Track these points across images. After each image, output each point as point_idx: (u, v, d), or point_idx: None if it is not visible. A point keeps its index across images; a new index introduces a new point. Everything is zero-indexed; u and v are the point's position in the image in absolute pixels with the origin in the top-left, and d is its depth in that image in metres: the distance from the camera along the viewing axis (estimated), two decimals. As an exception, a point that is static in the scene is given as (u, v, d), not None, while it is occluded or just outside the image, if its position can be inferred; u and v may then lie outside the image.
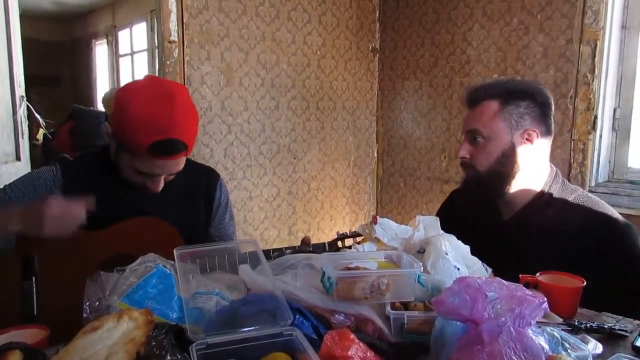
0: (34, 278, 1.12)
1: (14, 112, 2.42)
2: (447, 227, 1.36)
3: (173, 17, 2.34)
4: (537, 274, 1.05)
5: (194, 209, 1.45)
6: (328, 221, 3.21)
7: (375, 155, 3.37)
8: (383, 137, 3.33)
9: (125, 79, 6.57)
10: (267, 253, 1.25)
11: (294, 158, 2.96)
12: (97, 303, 0.76)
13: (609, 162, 2.43)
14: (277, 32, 2.75)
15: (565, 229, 1.31)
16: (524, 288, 0.76)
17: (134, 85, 1.30)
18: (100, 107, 5.26)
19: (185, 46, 2.41)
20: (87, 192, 1.29)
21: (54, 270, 1.16)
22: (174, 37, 2.36)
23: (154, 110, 1.19)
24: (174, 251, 0.91)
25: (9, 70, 2.37)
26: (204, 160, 2.59)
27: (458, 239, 1.26)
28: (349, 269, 0.93)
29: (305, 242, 1.33)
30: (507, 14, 2.57)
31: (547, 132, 1.34)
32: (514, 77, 2.54)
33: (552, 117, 1.35)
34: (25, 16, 2.44)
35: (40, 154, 4.40)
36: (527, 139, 1.31)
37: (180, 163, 1.28)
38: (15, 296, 1.13)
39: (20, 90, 2.48)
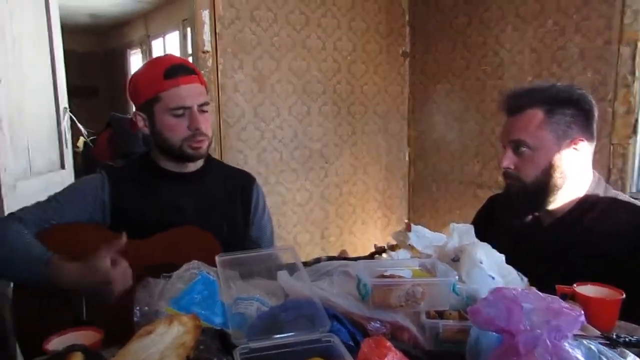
0: None
1: (59, 123, 2.53)
2: (483, 234, 1.35)
3: (206, 28, 2.41)
4: (574, 285, 1.03)
5: (232, 211, 1.49)
6: (360, 225, 3.22)
7: (407, 159, 3.36)
8: (415, 141, 3.32)
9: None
10: (304, 263, 1.28)
11: (326, 163, 2.99)
12: (147, 308, 0.80)
13: (651, 165, 2.36)
14: (307, 39, 2.79)
15: (606, 234, 1.28)
16: (561, 300, 0.76)
17: None
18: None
19: (218, 56, 2.48)
20: (133, 197, 1.36)
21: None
22: (208, 47, 2.42)
23: (155, 58, 1.44)
24: (216, 257, 0.94)
25: (53, 84, 2.48)
26: (238, 166, 2.62)
27: (494, 245, 1.26)
28: (385, 276, 0.94)
29: (342, 254, 1.34)
30: (541, 15, 2.53)
31: (591, 138, 1.32)
32: (552, 81, 2.50)
33: (596, 123, 1.33)
34: (63, 29, 2.55)
35: (80, 161, 4.58)
36: (574, 148, 1.29)
37: (201, 91, 1.35)
38: (65, 300, 1.19)
39: (64, 101, 2.59)
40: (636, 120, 2.26)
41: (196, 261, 0.91)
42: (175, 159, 1.38)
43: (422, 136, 3.28)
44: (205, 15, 2.38)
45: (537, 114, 1.29)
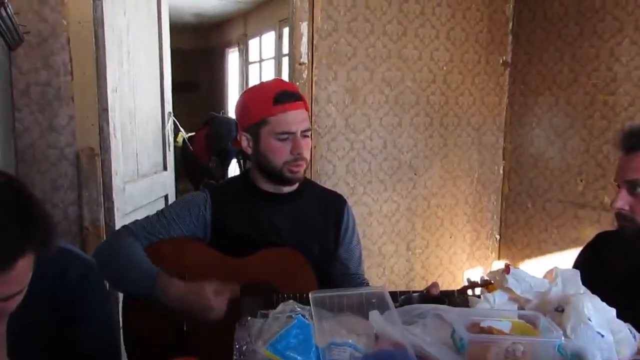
0: None
1: (163, 127, 2.70)
2: (589, 274, 1.26)
3: (304, 39, 2.45)
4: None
5: (324, 232, 1.52)
6: (447, 238, 3.13)
7: (501, 172, 3.21)
8: (511, 155, 3.16)
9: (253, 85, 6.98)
10: (393, 296, 1.26)
11: (415, 174, 2.94)
12: (245, 347, 0.83)
13: None
14: (403, 49, 2.74)
15: None
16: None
17: None
18: (232, 113, 5.66)
19: (314, 67, 2.51)
20: (232, 215, 1.43)
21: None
22: (304, 59, 2.47)
23: (265, 82, 1.51)
24: (310, 295, 0.96)
25: (160, 90, 2.65)
26: (327, 175, 2.67)
27: (601, 287, 1.17)
28: (482, 328, 0.91)
29: (433, 287, 1.31)
30: (666, 26, 2.29)
31: None
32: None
33: None
34: (170, 28, 2.72)
35: (179, 155, 4.88)
36: None
37: (305, 117, 1.41)
38: (169, 314, 1.27)
39: (169, 106, 2.77)
40: None
41: (292, 301, 0.94)
42: (274, 181, 1.43)
43: (518, 150, 3.11)
44: (304, 27, 2.42)
45: None
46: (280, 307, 0.90)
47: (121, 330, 1.34)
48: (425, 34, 2.78)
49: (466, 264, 3.20)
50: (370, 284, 1.61)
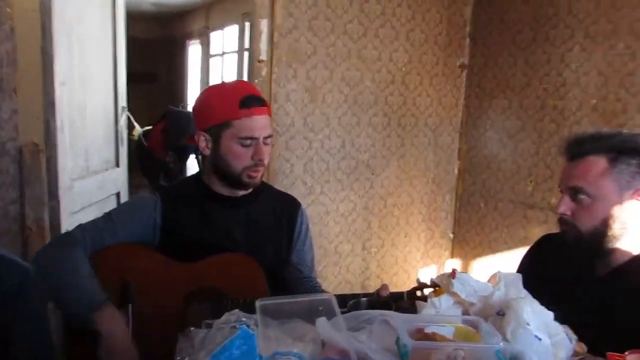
0: (130, 305, 1.22)
1: (116, 122, 2.62)
2: (532, 275, 1.31)
3: (264, 37, 2.42)
4: (627, 353, 0.98)
5: (278, 236, 1.51)
6: (403, 237, 3.18)
7: (456, 173, 3.28)
8: (465, 156, 3.23)
9: (214, 78, 6.88)
10: (343, 299, 1.27)
11: (372, 174, 2.96)
12: (187, 358, 0.82)
13: None
14: (363, 49, 2.75)
15: None
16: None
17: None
18: (190, 107, 5.55)
19: (273, 65, 2.49)
20: (184, 218, 1.39)
21: (146, 297, 1.25)
22: (264, 56, 2.44)
23: (230, 84, 1.46)
24: (256, 303, 0.95)
25: (113, 83, 2.57)
26: (284, 174, 2.66)
27: (543, 289, 1.22)
28: (425, 334, 0.92)
29: (383, 289, 1.33)
30: (613, 36, 2.39)
31: None
32: (618, 107, 2.37)
33: None
34: (127, 16, 2.63)
35: (134, 150, 4.74)
36: (637, 199, 1.23)
37: (269, 123, 1.39)
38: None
39: (122, 100, 2.69)
40: None
41: (237, 310, 0.92)
42: (230, 184, 1.41)
43: (472, 151, 3.19)
44: (264, 24, 2.39)
45: (599, 162, 1.23)
46: (224, 317, 0.89)
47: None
48: (385, 35, 2.80)
49: (420, 263, 3.26)
50: (323, 287, 1.61)
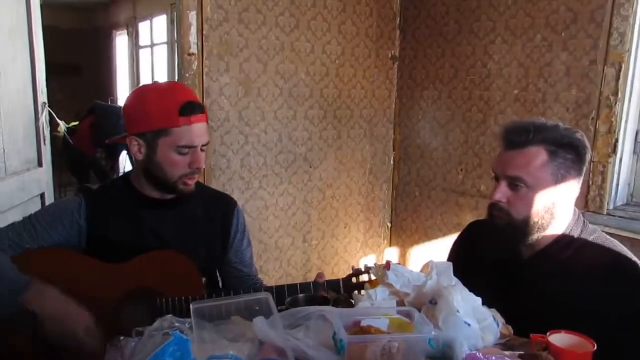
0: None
1: (36, 119, 2.46)
2: (462, 262, 1.37)
3: (193, 29, 2.35)
4: (548, 334, 1.05)
5: (211, 236, 1.48)
6: (342, 228, 3.23)
7: (392, 163, 3.36)
8: (400, 145, 3.32)
9: (144, 71, 6.62)
10: (281, 290, 1.28)
11: (310, 167, 2.97)
12: (116, 370, 0.79)
13: (629, 185, 2.40)
14: (296, 41, 2.74)
15: (582, 271, 1.31)
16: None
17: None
18: (120, 102, 5.30)
19: (204, 58, 2.43)
20: (111, 221, 1.34)
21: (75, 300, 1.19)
22: (194, 49, 2.37)
23: (168, 88, 1.38)
24: (190, 306, 0.93)
25: (31, 78, 2.40)
26: (221, 170, 2.61)
27: (472, 275, 1.27)
28: (361, 328, 0.94)
29: (319, 277, 1.35)
30: (531, 29, 2.52)
31: (581, 178, 1.32)
32: (538, 96, 2.51)
33: (586, 166, 1.33)
34: (47, 5, 2.45)
35: (60, 146, 4.49)
36: (567, 190, 1.30)
37: (207, 130, 1.36)
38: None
39: (42, 96, 2.52)
40: (616, 140, 2.28)
41: (170, 316, 0.90)
42: (162, 190, 1.36)
43: (406, 141, 3.28)
44: (192, 16, 2.32)
45: (540, 153, 1.27)
46: (157, 324, 0.86)
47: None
48: (317, 27, 2.81)
49: (360, 253, 3.32)
50: (264, 283, 1.60)
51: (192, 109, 1.30)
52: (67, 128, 4.48)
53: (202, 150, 1.34)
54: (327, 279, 1.36)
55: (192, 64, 2.39)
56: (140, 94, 1.37)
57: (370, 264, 1.34)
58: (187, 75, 2.39)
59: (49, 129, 2.63)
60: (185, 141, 1.29)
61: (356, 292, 1.28)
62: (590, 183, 2.36)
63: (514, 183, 1.29)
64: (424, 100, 3.12)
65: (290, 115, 2.82)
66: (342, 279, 1.36)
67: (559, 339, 1.04)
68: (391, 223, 3.44)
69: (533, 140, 1.28)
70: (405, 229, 3.37)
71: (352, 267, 1.39)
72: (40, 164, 2.48)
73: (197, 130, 1.31)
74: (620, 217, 2.29)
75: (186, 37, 2.34)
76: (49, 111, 2.70)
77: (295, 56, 2.76)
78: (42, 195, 2.45)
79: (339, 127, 3.05)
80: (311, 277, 3.02)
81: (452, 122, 2.97)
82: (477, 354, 0.79)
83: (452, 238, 1.63)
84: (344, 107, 3.04)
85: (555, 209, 1.30)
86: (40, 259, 1.25)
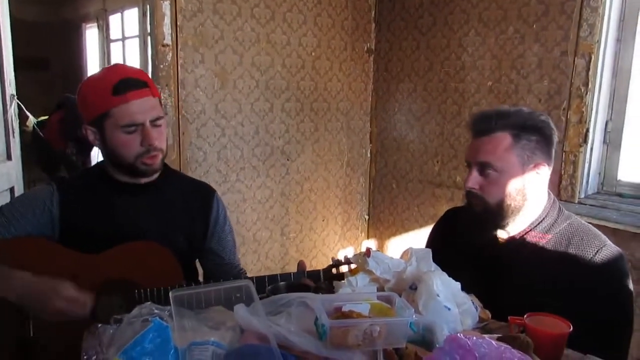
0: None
1: (5, 112, 2.39)
2: (440, 249, 1.39)
3: (167, 20, 2.31)
4: (525, 316, 1.07)
5: (191, 224, 1.46)
6: (320, 221, 3.23)
7: (369, 156, 3.37)
8: (376, 138, 3.33)
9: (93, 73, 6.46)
10: (261, 281, 1.27)
11: (287, 160, 2.96)
12: (95, 357, 0.77)
13: (599, 174, 2.46)
14: (272, 33, 2.73)
15: (558, 255, 1.34)
16: (512, 349, 0.79)
17: None
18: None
19: (179, 49, 2.39)
20: (84, 210, 1.31)
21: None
22: (168, 40, 2.33)
23: (102, 71, 1.37)
24: (170, 294, 0.92)
25: (-1, 71, 2.33)
26: (197, 163, 2.58)
27: (451, 260, 1.29)
28: (343, 313, 0.95)
29: (300, 267, 1.35)
30: (504, 21, 2.56)
31: (550, 162, 1.36)
32: (511, 88, 2.55)
33: (555, 148, 1.37)
34: None
35: (30, 141, 4.36)
36: (536, 172, 1.33)
37: (154, 105, 1.31)
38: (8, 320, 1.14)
39: (11, 88, 2.45)
40: (587, 130, 2.34)
41: (149, 303, 0.88)
42: (129, 173, 1.34)
43: (383, 133, 3.29)
44: (166, 7, 2.28)
45: (505, 138, 1.32)
46: (135, 311, 0.85)
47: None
48: (293, 19, 2.79)
49: (338, 245, 3.33)
50: (246, 272, 1.59)
51: (126, 86, 1.26)
52: (36, 122, 4.35)
53: (155, 125, 1.30)
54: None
55: (166, 56, 2.35)
56: (82, 84, 1.36)
57: (350, 255, 1.35)
58: (161, 66, 2.35)
59: (17, 121, 2.55)
60: (126, 120, 1.26)
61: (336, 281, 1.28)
62: (562, 172, 2.41)
63: (484, 169, 1.34)
64: (399, 93, 3.14)
65: (267, 108, 2.80)
66: (323, 269, 1.36)
67: (536, 321, 1.06)
68: (369, 215, 3.46)
69: (497, 126, 1.33)
70: (383, 221, 3.39)
71: (332, 258, 1.40)
72: (9, 158, 2.42)
73: (136, 107, 1.27)
74: (591, 205, 2.35)
75: (160, 28, 2.30)
76: (17, 104, 2.62)
77: (272, 48, 2.74)
78: (11, 190, 2.39)
79: (316, 120, 3.04)
80: (289, 269, 3.03)
81: (427, 115, 3.00)
82: (459, 334, 0.80)
83: (428, 229, 1.66)
84: (320, 100, 3.04)
85: (526, 190, 1.34)
86: (13, 249, 1.22)
